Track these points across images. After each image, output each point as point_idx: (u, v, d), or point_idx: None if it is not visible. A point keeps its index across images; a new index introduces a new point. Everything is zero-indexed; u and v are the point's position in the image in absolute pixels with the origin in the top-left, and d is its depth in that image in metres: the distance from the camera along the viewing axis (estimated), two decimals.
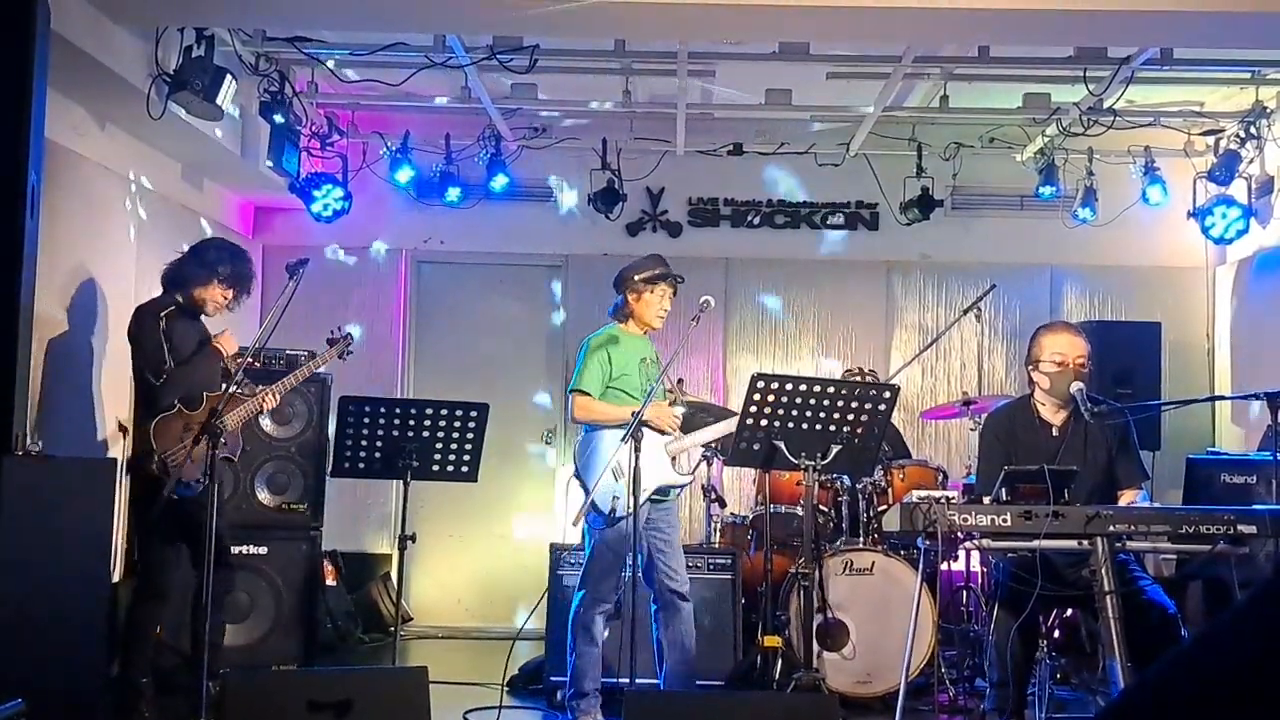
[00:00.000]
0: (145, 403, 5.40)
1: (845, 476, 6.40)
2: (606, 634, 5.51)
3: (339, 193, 7.60)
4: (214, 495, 5.23)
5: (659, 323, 5.66)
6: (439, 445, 4.99)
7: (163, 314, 5.44)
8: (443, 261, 8.78)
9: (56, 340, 5.88)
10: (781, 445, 4.86)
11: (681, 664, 5.48)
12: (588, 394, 5.45)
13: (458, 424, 4.97)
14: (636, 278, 5.61)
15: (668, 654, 5.50)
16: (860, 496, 6.48)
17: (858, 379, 6.64)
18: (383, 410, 4.96)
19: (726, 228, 8.66)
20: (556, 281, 8.76)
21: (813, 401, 4.86)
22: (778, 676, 6.12)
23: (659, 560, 5.48)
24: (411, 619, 8.26)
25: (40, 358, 5.53)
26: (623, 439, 5.09)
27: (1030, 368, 5.38)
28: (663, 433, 5.44)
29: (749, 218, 8.66)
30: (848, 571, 6.16)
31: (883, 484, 6.62)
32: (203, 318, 5.66)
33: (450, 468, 5.03)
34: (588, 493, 5.30)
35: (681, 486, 5.54)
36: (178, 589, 5.47)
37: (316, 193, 7.53)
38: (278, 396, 5.62)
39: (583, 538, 5.66)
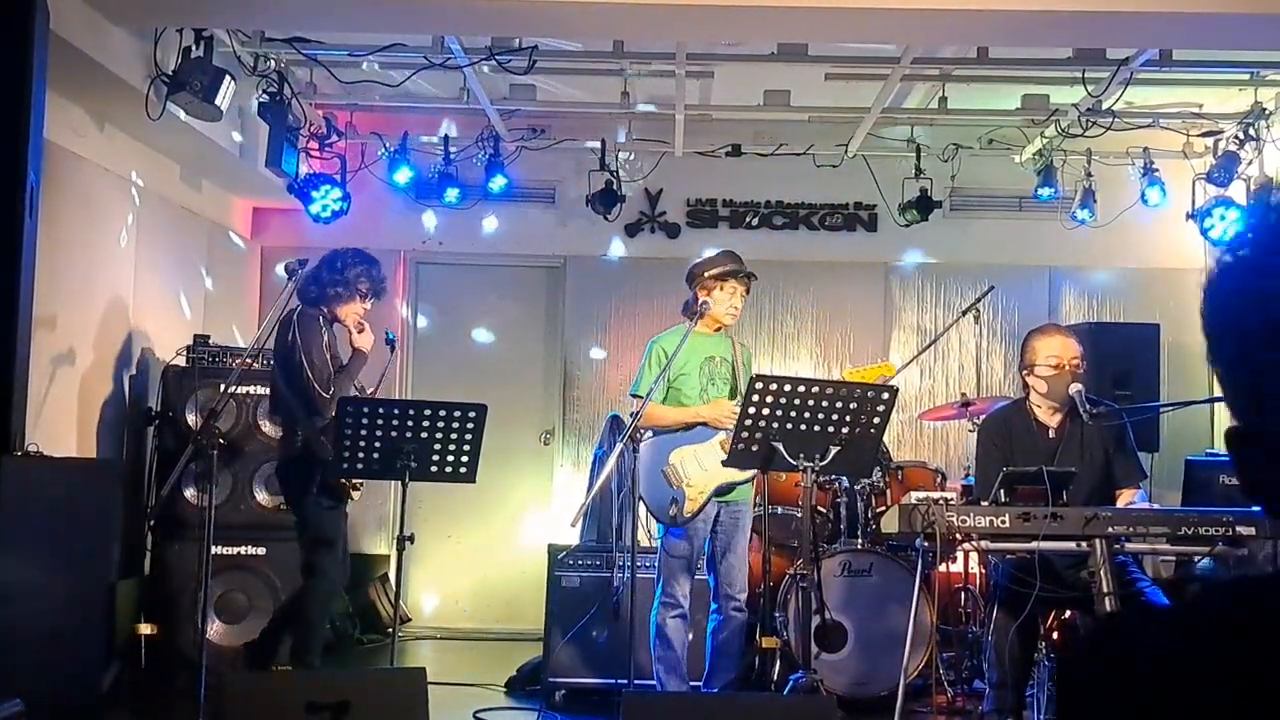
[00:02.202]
0: (306, 408, 5.47)
1: (843, 478, 6.39)
2: (690, 637, 5.46)
3: (337, 193, 7.58)
4: (211, 498, 5.26)
5: (730, 320, 5.57)
6: (438, 446, 4.98)
7: (315, 320, 5.53)
8: (441, 262, 8.78)
9: (53, 340, 5.89)
10: (780, 446, 4.85)
11: (725, 672, 5.46)
12: (642, 397, 5.38)
13: (456, 425, 4.96)
14: (707, 274, 5.52)
15: (714, 659, 5.48)
16: (858, 498, 6.48)
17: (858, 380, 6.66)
18: (381, 411, 4.95)
19: (725, 229, 8.64)
20: (555, 283, 8.76)
21: (811, 403, 4.85)
22: (775, 678, 6.13)
23: (719, 566, 5.46)
24: (410, 619, 8.26)
25: (37, 358, 5.53)
26: (620, 439, 5.09)
27: (1025, 372, 5.38)
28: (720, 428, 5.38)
29: (747, 219, 8.66)
30: (845, 573, 6.16)
31: (880, 485, 6.62)
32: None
33: (449, 469, 5.02)
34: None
35: (743, 484, 5.46)
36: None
37: (315, 194, 7.51)
38: None
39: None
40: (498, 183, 7.99)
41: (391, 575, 8.29)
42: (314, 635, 5.55)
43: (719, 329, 5.61)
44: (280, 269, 5.65)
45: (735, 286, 5.50)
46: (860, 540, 6.35)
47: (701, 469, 5.21)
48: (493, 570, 8.52)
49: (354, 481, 5.47)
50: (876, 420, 4.95)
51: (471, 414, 4.96)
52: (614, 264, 8.61)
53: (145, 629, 6.22)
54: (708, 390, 5.45)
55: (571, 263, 8.67)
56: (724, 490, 5.39)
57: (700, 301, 5.48)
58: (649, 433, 5.47)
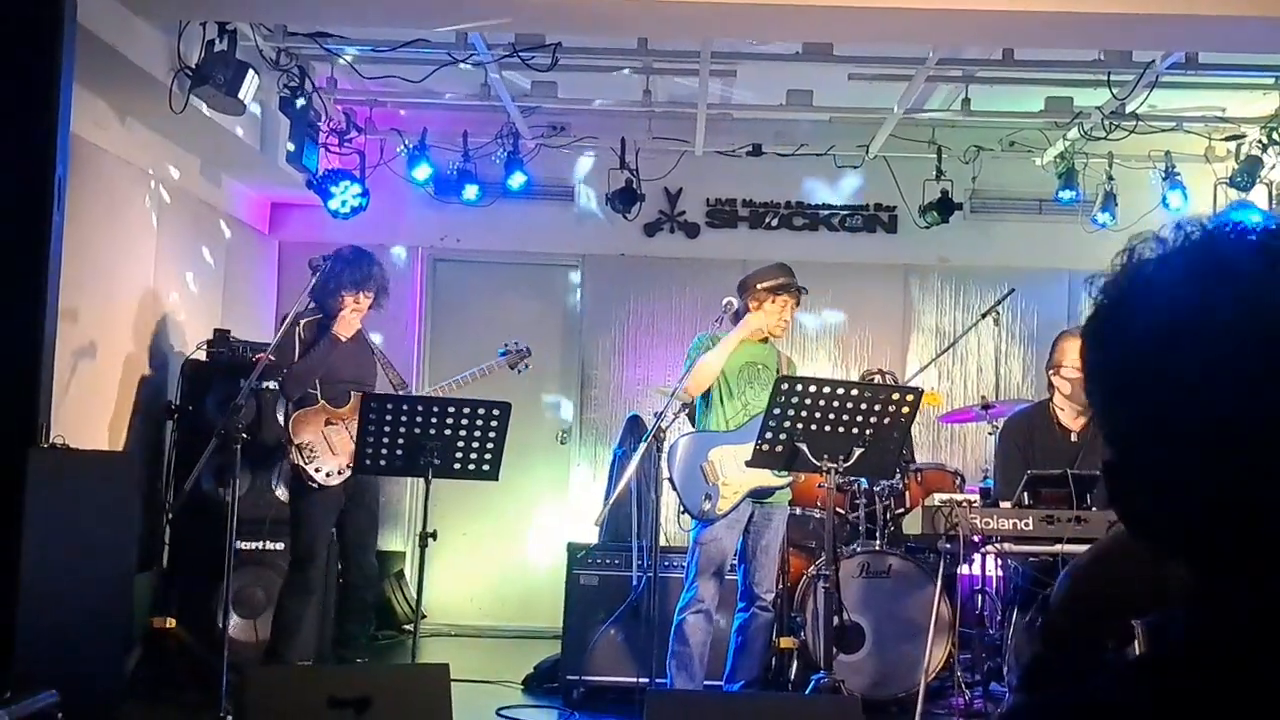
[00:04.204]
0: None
1: (862, 479, 6.38)
2: (708, 636, 5.42)
3: (357, 189, 7.56)
4: (235, 492, 5.28)
5: (779, 332, 5.59)
6: (460, 443, 4.98)
7: (303, 321, 5.66)
8: (459, 260, 8.77)
9: (75, 333, 5.89)
10: (804, 447, 4.85)
11: (748, 671, 5.46)
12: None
13: (480, 422, 4.95)
14: (760, 286, 5.50)
15: (737, 658, 5.47)
16: (878, 499, 6.46)
17: (879, 381, 6.64)
18: (405, 408, 4.95)
19: (744, 229, 8.63)
20: (573, 281, 8.75)
21: (835, 404, 4.85)
22: (793, 678, 6.12)
23: (749, 564, 5.46)
24: (425, 616, 8.25)
25: (59, 350, 5.53)
26: (644, 439, 5.09)
27: (1051, 372, 5.38)
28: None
29: (767, 219, 8.64)
30: (864, 574, 6.15)
31: (900, 487, 6.60)
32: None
33: (471, 466, 5.02)
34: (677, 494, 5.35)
35: (781, 489, 5.46)
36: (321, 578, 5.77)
37: (334, 189, 7.49)
38: None
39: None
40: (517, 180, 7.97)
41: (408, 571, 8.33)
42: (284, 630, 5.59)
43: (765, 340, 5.60)
44: (309, 265, 5.68)
45: (787, 300, 5.50)
46: (879, 542, 6.33)
47: (740, 470, 5.20)
48: (508, 568, 8.51)
49: (314, 465, 5.53)
50: (901, 422, 4.94)
51: (495, 411, 4.96)
52: (632, 263, 8.59)
53: (163, 622, 6.23)
54: (745, 393, 5.44)
55: (589, 262, 8.66)
56: (762, 494, 5.38)
57: (738, 308, 5.50)
58: (679, 429, 5.47)
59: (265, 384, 6.24)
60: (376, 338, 6.39)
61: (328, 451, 5.58)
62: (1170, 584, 1.18)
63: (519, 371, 6.14)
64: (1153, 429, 0.99)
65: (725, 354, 5.39)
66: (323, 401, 5.67)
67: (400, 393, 5.71)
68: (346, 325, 5.68)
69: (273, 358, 5.54)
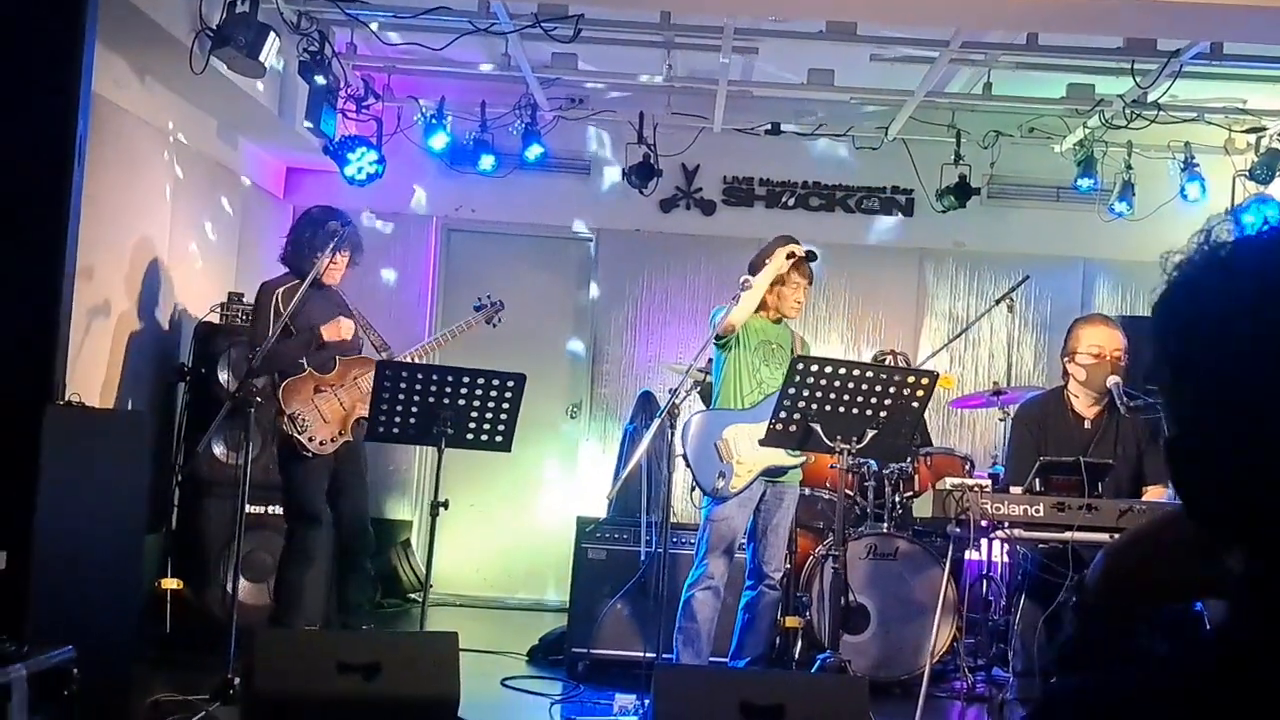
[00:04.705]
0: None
1: (871, 462, 6.38)
2: (716, 613, 5.41)
3: (373, 156, 7.54)
4: (248, 456, 5.28)
5: (794, 312, 5.57)
6: (474, 414, 4.97)
7: (279, 290, 5.57)
8: (473, 230, 8.75)
9: (90, 291, 5.88)
10: (818, 427, 4.85)
11: (754, 647, 5.47)
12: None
13: (495, 393, 4.95)
14: (769, 261, 5.50)
15: (744, 635, 5.48)
16: (886, 482, 6.47)
17: (892, 362, 6.64)
18: (420, 376, 4.94)
19: (760, 208, 8.60)
20: (587, 256, 8.73)
21: (851, 385, 4.84)
22: (797, 656, 6.14)
23: (759, 543, 5.46)
24: (432, 585, 8.26)
25: (74, 308, 5.53)
26: (659, 414, 5.09)
27: (1066, 359, 5.38)
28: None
29: (784, 199, 8.61)
30: (871, 556, 6.16)
31: (909, 471, 6.60)
32: (335, 287, 5.78)
33: (485, 436, 5.02)
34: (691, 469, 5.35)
35: (794, 468, 5.47)
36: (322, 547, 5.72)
37: (350, 155, 7.48)
38: (418, 360, 5.77)
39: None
40: (534, 152, 7.94)
41: (414, 540, 8.35)
42: (287, 598, 5.57)
43: (780, 319, 5.58)
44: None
45: (799, 281, 5.47)
46: (886, 524, 6.34)
47: (754, 448, 5.20)
48: (514, 540, 8.52)
49: (306, 435, 5.48)
50: (915, 405, 4.94)
51: (510, 383, 4.96)
52: (647, 239, 8.57)
53: (170, 584, 6.25)
54: (760, 372, 5.43)
55: (604, 236, 8.63)
56: (775, 473, 5.38)
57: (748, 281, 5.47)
58: (691, 407, 5.46)
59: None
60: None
61: (319, 420, 5.54)
62: (1216, 572, 1.17)
63: (493, 325, 6.19)
64: (1217, 409, 0.98)
65: (755, 299, 5.37)
66: (310, 369, 5.62)
67: (383, 354, 5.66)
68: (330, 277, 5.65)
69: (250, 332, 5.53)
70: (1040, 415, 5.42)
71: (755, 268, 5.52)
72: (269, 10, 6.34)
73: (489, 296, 6.22)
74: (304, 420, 5.48)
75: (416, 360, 5.73)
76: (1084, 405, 5.34)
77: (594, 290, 8.64)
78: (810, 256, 5.52)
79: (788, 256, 5.42)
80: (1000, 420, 6.78)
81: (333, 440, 5.56)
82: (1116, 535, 4.74)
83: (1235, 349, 0.97)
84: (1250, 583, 0.98)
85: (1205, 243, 1.04)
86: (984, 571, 6.33)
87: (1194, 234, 1.06)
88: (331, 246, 5.54)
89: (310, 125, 6.94)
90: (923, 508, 5.52)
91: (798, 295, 5.51)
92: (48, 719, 3.31)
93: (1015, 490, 5.17)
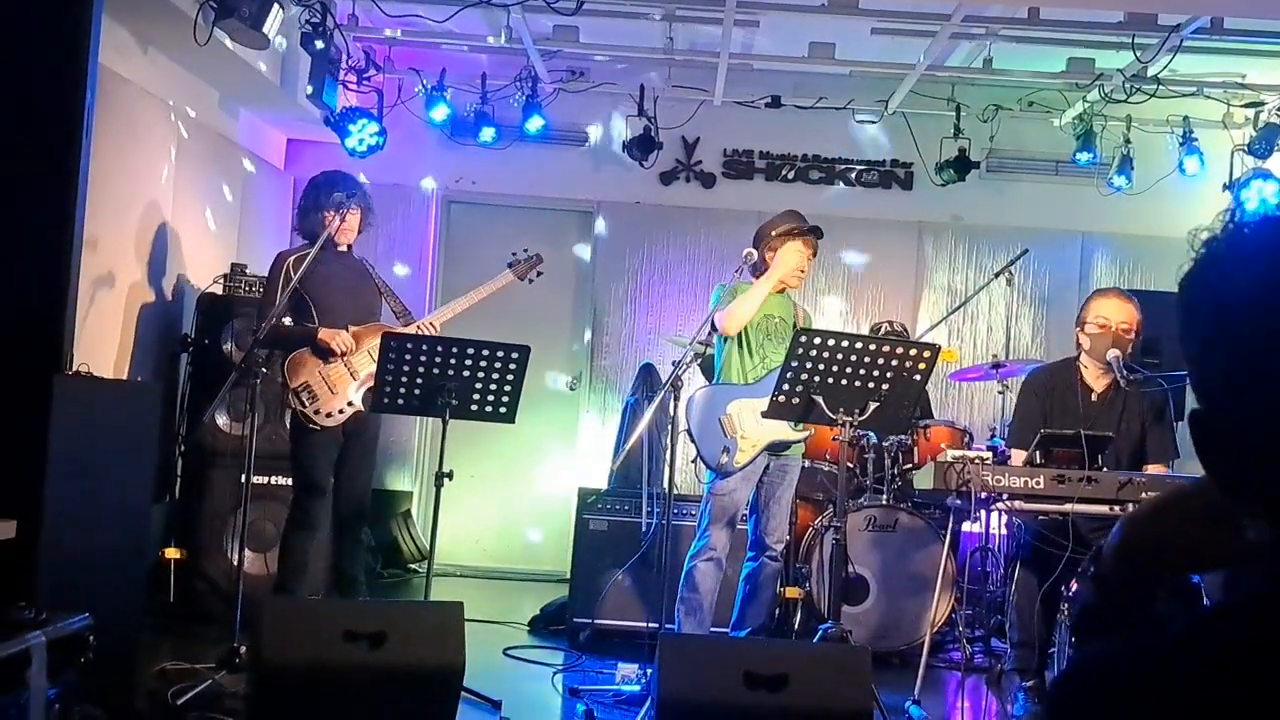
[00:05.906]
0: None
1: (871, 434, 6.42)
2: (717, 584, 5.43)
3: (374, 128, 7.55)
4: (253, 426, 5.30)
5: (795, 282, 5.56)
6: (479, 385, 4.99)
7: (291, 258, 5.51)
8: (473, 202, 8.75)
9: (95, 261, 5.89)
10: (820, 400, 4.87)
11: (755, 618, 5.50)
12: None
13: (499, 365, 4.97)
14: (774, 233, 5.50)
15: (745, 606, 5.51)
16: (886, 455, 6.51)
17: (889, 332, 6.67)
18: (424, 348, 4.96)
19: (760, 181, 8.61)
20: (587, 227, 8.74)
21: (854, 358, 4.87)
22: (797, 627, 6.20)
23: (761, 514, 5.49)
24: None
25: (80, 278, 5.54)
26: (664, 387, 5.12)
27: (1077, 328, 5.42)
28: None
29: (783, 172, 8.62)
30: (870, 527, 6.21)
31: (908, 443, 6.64)
32: (350, 249, 5.70)
33: (489, 408, 5.04)
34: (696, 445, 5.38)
35: (796, 442, 5.48)
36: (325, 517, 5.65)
37: (352, 127, 7.48)
38: (436, 326, 5.70)
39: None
40: (534, 124, 7.95)
41: (415, 511, 8.39)
42: (291, 567, 5.53)
43: (782, 290, 5.60)
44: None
45: (801, 249, 5.48)
46: (886, 496, 6.38)
47: (758, 423, 5.23)
48: (514, 511, 8.56)
49: (314, 407, 5.42)
50: (917, 378, 4.97)
51: (514, 355, 4.98)
52: (647, 211, 8.59)
53: (173, 553, 6.29)
54: (764, 346, 5.46)
55: (604, 208, 8.64)
56: (779, 448, 5.41)
57: (756, 260, 5.49)
58: (692, 380, 5.48)
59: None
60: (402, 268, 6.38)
61: (328, 392, 5.44)
62: (1236, 542, 1.20)
63: (529, 281, 6.01)
64: (1241, 381, 1.01)
65: (758, 303, 5.39)
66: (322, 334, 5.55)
67: (402, 321, 5.64)
68: (343, 235, 5.58)
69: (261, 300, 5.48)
70: (1049, 384, 5.46)
71: (761, 238, 5.54)
72: None
73: (525, 250, 6.04)
74: (312, 392, 5.43)
75: (444, 319, 5.70)
76: (1093, 376, 5.38)
77: (594, 262, 8.65)
78: (817, 233, 5.55)
79: (781, 235, 5.44)
80: (999, 393, 6.83)
81: (340, 412, 5.48)
82: (1115, 507, 4.81)
83: (1266, 324, 0.99)
84: (1273, 551, 1.01)
85: (1231, 218, 1.07)
86: (982, 543, 6.39)
87: (1221, 211, 1.09)
88: (338, 206, 5.49)
89: (312, 97, 6.93)
90: (922, 480, 5.57)
91: (801, 264, 5.53)
92: (65, 685, 3.34)
93: (1016, 455, 5.23)
